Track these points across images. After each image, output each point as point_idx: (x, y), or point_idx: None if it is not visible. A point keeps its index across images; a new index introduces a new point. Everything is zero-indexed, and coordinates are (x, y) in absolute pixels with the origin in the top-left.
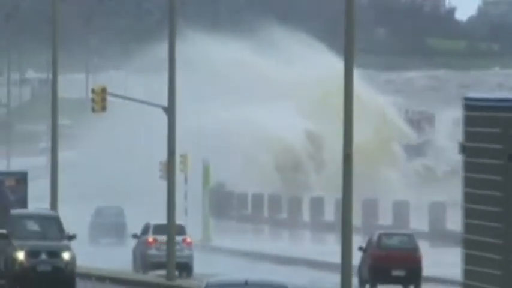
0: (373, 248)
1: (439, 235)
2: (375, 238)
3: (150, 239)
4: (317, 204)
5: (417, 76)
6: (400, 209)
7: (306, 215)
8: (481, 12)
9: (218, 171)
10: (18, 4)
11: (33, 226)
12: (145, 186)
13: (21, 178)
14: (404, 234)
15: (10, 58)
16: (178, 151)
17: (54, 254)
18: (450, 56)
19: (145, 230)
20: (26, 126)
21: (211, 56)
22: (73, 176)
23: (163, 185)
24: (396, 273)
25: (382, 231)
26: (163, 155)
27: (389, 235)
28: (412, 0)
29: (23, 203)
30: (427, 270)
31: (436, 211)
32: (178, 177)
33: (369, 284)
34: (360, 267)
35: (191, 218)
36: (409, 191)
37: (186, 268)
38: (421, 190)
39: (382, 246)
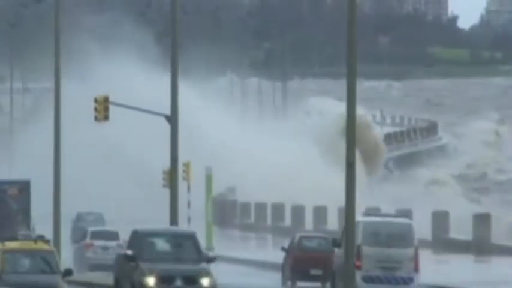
0: (294, 249)
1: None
2: (296, 240)
3: (88, 243)
4: (320, 212)
5: (420, 84)
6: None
7: (308, 224)
8: (484, 21)
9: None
10: (22, 13)
11: (164, 246)
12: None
13: (24, 187)
14: (322, 237)
15: (13, 66)
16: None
17: (191, 279)
18: (452, 65)
19: (84, 235)
20: (28, 135)
21: None
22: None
23: (166, 193)
24: (314, 272)
25: (302, 234)
26: (165, 163)
27: (308, 238)
28: (414, 9)
29: (26, 212)
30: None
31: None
32: (181, 185)
33: (290, 282)
34: (282, 266)
35: (194, 226)
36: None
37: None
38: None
39: (302, 247)
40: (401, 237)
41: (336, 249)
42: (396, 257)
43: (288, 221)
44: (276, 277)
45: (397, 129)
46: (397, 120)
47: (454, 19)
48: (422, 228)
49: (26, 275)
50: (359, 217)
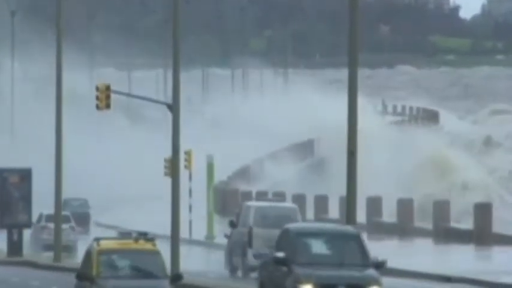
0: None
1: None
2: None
3: (43, 225)
4: (321, 202)
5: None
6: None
7: (309, 213)
8: (485, 10)
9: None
10: (23, 1)
11: (323, 248)
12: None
13: (25, 175)
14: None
15: (14, 54)
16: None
17: None
18: (454, 54)
19: (39, 219)
20: (29, 123)
21: None
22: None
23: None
24: None
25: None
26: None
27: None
28: None
29: (27, 200)
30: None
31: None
32: (183, 174)
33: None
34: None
35: (196, 214)
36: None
37: (71, 250)
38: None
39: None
40: (286, 219)
41: (232, 229)
42: None
43: None
44: None
45: (399, 118)
46: (399, 109)
47: (456, 8)
48: (422, 217)
49: (125, 280)
50: (250, 202)
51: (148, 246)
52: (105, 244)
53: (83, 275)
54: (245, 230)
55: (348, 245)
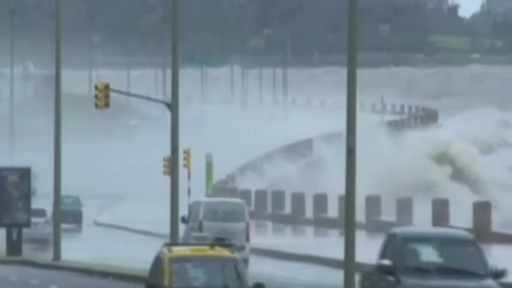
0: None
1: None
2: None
3: None
4: (320, 200)
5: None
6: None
7: (309, 212)
8: (484, 9)
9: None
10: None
11: (435, 255)
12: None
13: (25, 174)
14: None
15: (13, 53)
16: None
17: None
18: (453, 53)
19: None
20: (29, 122)
21: None
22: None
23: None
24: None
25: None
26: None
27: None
28: None
29: (26, 199)
30: None
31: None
32: (182, 172)
33: None
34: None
35: None
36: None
37: (46, 243)
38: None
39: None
40: (234, 213)
41: (184, 225)
42: (230, 230)
43: (288, 209)
44: (273, 264)
45: (398, 117)
46: (398, 108)
47: (455, 7)
48: (422, 216)
49: None
50: (201, 198)
51: (226, 253)
52: (177, 251)
53: (153, 285)
54: (196, 225)
55: (462, 252)
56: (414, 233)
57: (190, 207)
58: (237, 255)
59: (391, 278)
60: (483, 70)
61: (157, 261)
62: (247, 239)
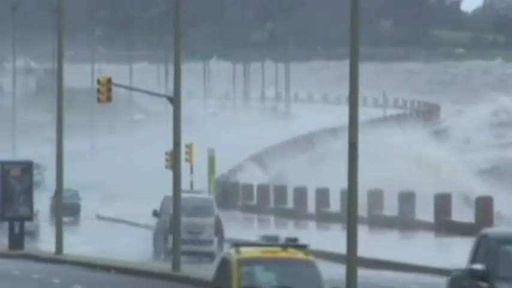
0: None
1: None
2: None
3: None
4: (322, 195)
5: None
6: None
7: (311, 206)
8: (487, 4)
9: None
10: None
11: None
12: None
13: (27, 167)
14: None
15: (16, 48)
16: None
17: None
18: (455, 48)
19: None
20: (31, 116)
21: None
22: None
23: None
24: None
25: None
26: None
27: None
28: None
29: (29, 193)
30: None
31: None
32: (184, 167)
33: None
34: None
35: None
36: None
37: (33, 235)
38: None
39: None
40: (203, 209)
41: (156, 219)
42: (199, 224)
43: (290, 203)
44: None
45: (400, 111)
46: (400, 102)
47: (457, 2)
48: (424, 210)
49: None
50: (171, 193)
51: (300, 255)
52: (246, 252)
53: None
54: (167, 219)
55: None
56: (510, 234)
57: (162, 202)
58: (312, 257)
59: (484, 285)
60: (485, 65)
61: (224, 263)
62: (217, 233)
